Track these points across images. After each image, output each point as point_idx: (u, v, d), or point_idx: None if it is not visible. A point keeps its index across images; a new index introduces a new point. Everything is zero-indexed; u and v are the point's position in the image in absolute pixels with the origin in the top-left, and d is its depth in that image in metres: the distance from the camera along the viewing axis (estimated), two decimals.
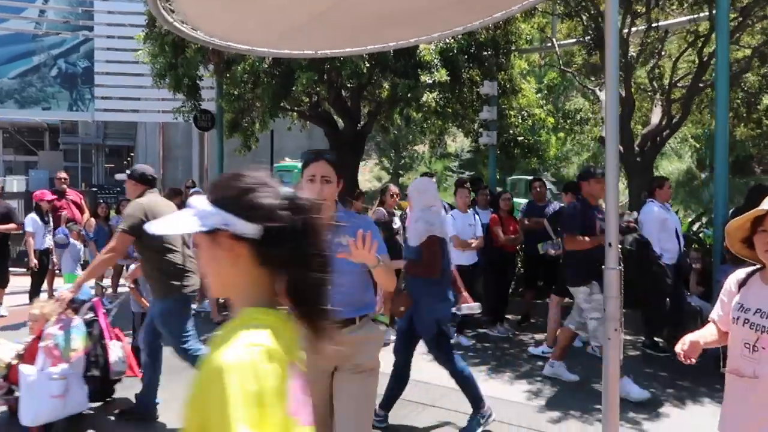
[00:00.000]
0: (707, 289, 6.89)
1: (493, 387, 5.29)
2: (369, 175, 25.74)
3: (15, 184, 24.54)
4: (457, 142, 23.06)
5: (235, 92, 9.32)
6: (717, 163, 6.77)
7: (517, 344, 6.69)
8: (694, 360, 2.37)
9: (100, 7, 12.08)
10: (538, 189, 7.45)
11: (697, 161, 20.44)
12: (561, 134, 13.05)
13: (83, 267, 8.58)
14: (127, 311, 5.69)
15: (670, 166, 20.33)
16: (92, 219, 8.97)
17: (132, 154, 37.07)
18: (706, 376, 5.59)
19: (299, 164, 24.02)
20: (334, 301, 1.17)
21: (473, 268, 6.65)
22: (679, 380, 5.52)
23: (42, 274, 8.21)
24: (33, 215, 8.11)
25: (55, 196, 8.77)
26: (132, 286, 5.48)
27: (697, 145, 19.96)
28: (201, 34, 4.11)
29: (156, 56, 9.45)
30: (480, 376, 5.56)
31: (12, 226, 7.72)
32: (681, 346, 2.38)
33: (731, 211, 6.40)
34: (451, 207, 7.26)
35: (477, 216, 6.77)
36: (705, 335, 2.45)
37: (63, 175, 9.21)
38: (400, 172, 23.65)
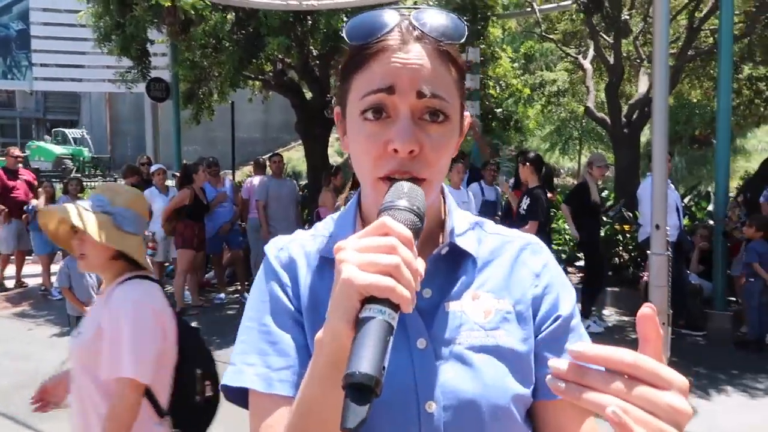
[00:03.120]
0: (708, 267, 6.60)
1: None
2: (330, 149, 24.91)
3: None
4: None
5: (193, 58, 8.42)
6: (718, 135, 6.42)
7: None
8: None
9: None
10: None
11: None
12: (537, 106, 12.68)
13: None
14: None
15: None
16: (34, 201, 8.01)
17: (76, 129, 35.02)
18: (720, 361, 5.29)
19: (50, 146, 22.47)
20: None
21: None
22: (694, 366, 5.18)
23: None
24: None
25: (5, 177, 7.83)
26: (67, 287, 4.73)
27: None
28: None
29: (100, 16, 8.43)
30: None
31: None
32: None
33: (744, 181, 6.09)
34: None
35: (470, 193, 6.26)
36: None
37: (17, 152, 8.23)
38: None
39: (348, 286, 0.58)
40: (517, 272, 0.84)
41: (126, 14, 8.02)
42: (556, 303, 0.83)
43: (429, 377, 0.75)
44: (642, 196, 6.20)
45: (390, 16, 0.76)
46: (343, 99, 0.81)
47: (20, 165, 8.21)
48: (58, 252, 8.10)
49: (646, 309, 0.53)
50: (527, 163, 5.67)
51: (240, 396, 0.79)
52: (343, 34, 0.78)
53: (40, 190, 8.20)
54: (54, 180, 12.53)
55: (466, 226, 0.86)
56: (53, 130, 27.62)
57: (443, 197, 0.87)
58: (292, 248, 0.85)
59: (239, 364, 0.79)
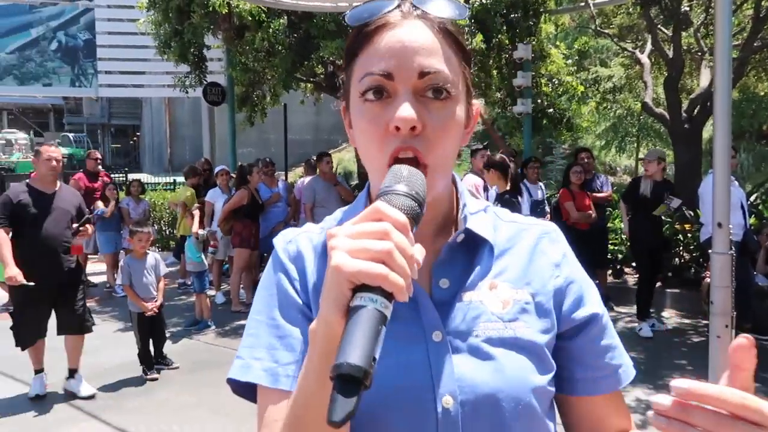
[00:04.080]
0: None
1: None
2: None
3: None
4: None
5: (247, 62, 8.64)
6: None
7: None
8: None
9: None
10: (586, 160, 6.81)
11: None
12: (592, 103, 12.34)
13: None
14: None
15: None
16: (99, 201, 8.39)
17: (138, 133, 36.54)
18: None
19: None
20: None
21: None
22: (762, 372, 4.91)
23: None
24: None
25: (87, 179, 8.34)
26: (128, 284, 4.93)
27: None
28: None
29: (159, 24, 8.77)
30: None
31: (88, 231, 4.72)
32: None
33: None
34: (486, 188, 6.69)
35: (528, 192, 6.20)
36: None
37: (98, 154, 8.65)
38: None
39: (338, 274, 0.56)
40: (536, 261, 0.81)
41: (184, 22, 8.33)
42: (583, 299, 0.81)
43: (445, 371, 0.72)
44: (704, 194, 5.95)
45: (391, 0, 0.75)
46: (347, 89, 0.78)
47: (100, 167, 8.59)
48: (122, 251, 8.48)
49: (743, 340, 0.51)
50: (492, 168, 5.39)
51: (248, 389, 0.78)
52: (345, 21, 0.76)
53: (107, 192, 8.58)
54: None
55: (481, 213, 0.82)
56: (61, 134, 31.26)
57: (455, 185, 0.84)
58: (300, 241, 0.83)
59: (247, 358, 0.77)
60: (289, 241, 0.84)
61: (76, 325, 4.61)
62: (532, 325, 0.76)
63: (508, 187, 5.25)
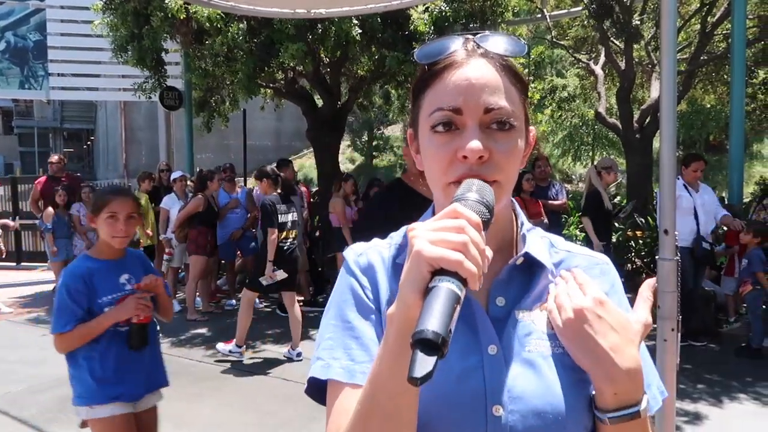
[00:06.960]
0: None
1: None
2: (341, 156, 24.79)
3: None
4: None
5: (206, 66, 8.50)
6: (732, 140, 6.37)
7: None
8: None
9: None
10: (542, 168, 6.95)
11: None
12: (547, 111, 12.61)
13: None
14: None
15: None
16: (50, 208, 8.11)
17: (92, 137, 35.47)
18: (733, 368, 5.22)
19: None
20: None
21: None
22: (706, 373, 5.11)
23: None
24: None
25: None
26: None
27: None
28: None
29: (116, 27, 8.55)
30: None
31: None
32: None
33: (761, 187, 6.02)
34: None
35: None
36: None
37: (54, 158, 8.80)
38: (374, 153, 22.98)
39: (418, 257, 0.62)
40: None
41: (142, 26, 8.14)
42: None
43: (498, 382, 0.77)
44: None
45: (456, 40, 0.83)
46: (415, 119, 0.86)
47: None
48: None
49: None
50: (264, 178, 5.76)
51: (318, 391, 0.84)
52: (414, 58, 0.84)
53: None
54: None
55: (539, 239, 0.88)
56: None
57: (514, 210, 0.89)
58: (369, 254, 0.89)
59: (327, 358, 0.82)
60: (360, 254, 0.90)
61: None
62: None
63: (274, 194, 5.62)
